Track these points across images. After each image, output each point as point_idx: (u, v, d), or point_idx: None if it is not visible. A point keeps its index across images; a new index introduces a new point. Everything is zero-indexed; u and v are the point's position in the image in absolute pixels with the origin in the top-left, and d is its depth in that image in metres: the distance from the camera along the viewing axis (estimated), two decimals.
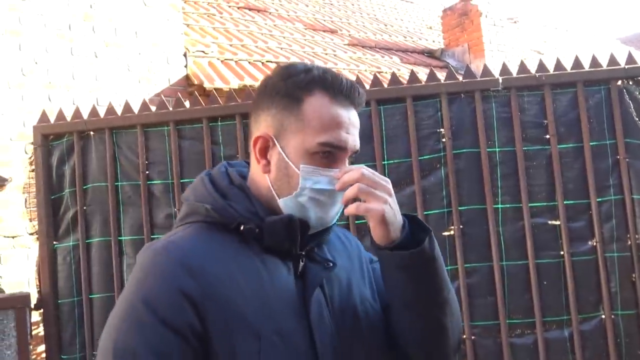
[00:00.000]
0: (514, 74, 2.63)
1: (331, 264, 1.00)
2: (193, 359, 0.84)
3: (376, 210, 0.91)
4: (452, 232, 2.53)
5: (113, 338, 0.84)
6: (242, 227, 0.94)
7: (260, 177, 1.00)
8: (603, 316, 2.46)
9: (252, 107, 1.03)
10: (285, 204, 0.97)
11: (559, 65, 2.62)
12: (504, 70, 2.64)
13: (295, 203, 0.96)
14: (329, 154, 0.96)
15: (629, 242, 2.47)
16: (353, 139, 0.98)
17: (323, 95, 0.95)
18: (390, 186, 0.94)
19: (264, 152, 0.98)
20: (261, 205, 0.98)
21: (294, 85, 0.96)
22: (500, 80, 2.57)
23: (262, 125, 0.99)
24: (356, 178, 0.92)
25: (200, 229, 0.95)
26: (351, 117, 0.97)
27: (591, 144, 2.51)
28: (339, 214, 1.01)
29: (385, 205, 0.92)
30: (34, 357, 3.38)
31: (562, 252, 2.49)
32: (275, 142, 0.96)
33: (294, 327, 0.91)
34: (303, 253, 0.97)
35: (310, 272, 0.97)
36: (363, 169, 0.93)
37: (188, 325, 0.84)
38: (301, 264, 0.97)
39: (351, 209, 0.93)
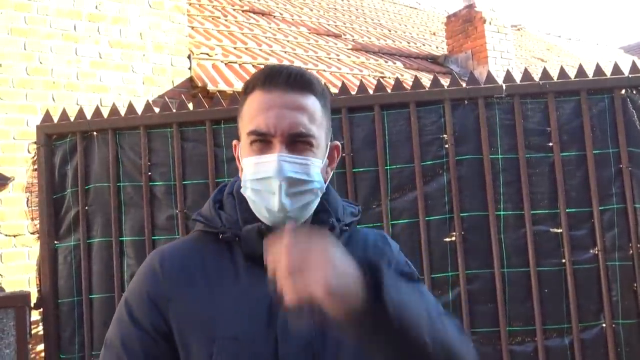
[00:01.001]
0: (518, 81, 2.63)
1: None
2: (160, 356, 0.91)
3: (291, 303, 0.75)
4: (453, 239, 2.52)
5: (109, 330, 0.97)
6: (221, 237, 0.97)
7: None
8: (604, 325, 2.45)
9: None
10: (250, 204, 0.97)
11: (562, 73, 2.62)
12: (508, 77, 2.64)
13: (249, 200, 0.96)
14: (260, 142, 0.93)
15: (631, 251, 2.47)
16: (280, 119, 0.91)
17: (257, 90, 0.95)
18: (286, 263, 0.74)
19: (239, 158, 1.02)
20: (246, 213, 0.97)
21: (243, 91, 1.00)
22: (504, 87, 2.57)
23: None
24: (275, 268, 0.76)
25: (194, 237, 1.02)
26: (282, 99, 0.92)
27: (594, 152, 2.51)
28: (302, 204, 0.93)
29: (300, 296, 0.74)
30: (33, 356, 3.38)
31: (563, 260, 2.48)
32: (239, 146, 1.01)
33: (260, 333, 0.90)
34: None
35: None
36: (282, 254, 0.75)
37: (154, 325, 0.92)
38: None
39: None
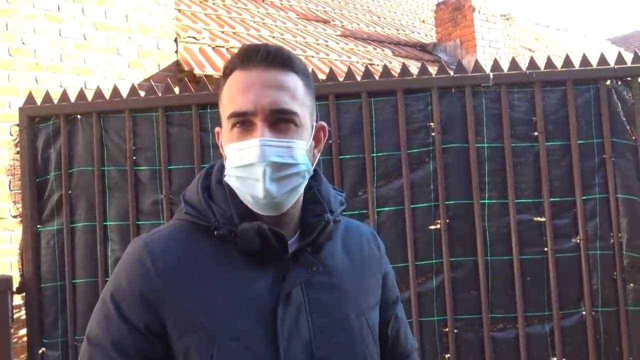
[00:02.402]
0: (505, 71, 2.64)
1: (315, 268, 0.94)
2: (153, 356, 0.87)
3: None
4: (438, 226, 2.54)
5: (90, 325, 0.91)
6: (216, 233, 0.92)
7: None
8: (584, 312, 2.50)
9: None
10: (236, 192, 0.94)
11: (549, 63, 2.63)
12: (495, 66, 2.65)
13: (233, 187, 0.92)
14: (242, 125, 0.90)
15: (612, 241, 2.50)
16: (260, 97, 0.88)
17: (236, 71, 0.92)
18: None
19: (222, 146, 0.97)
20: (240, 207, 0.93)
21: (222, 74, 0.96)
22: (491, 76, 2.58)
23: None
24: None
25: (182, 229, 0.95)
26: (261, 77, 0.89)
27: (578, 142, 2.53)
28: (289, 189, 0.91)
29: None
30: (15, 340, 3.35)
31: (546, 249, 2.51)
32: (221, 133, 0.97)
33: (259, 332, 0.88)
34: (288, 256, 0.93)
35: (290, 276, 0.92)
36: None
37: (147, 326, 0.87)
38: (288, 267, 0.93)
39: None
